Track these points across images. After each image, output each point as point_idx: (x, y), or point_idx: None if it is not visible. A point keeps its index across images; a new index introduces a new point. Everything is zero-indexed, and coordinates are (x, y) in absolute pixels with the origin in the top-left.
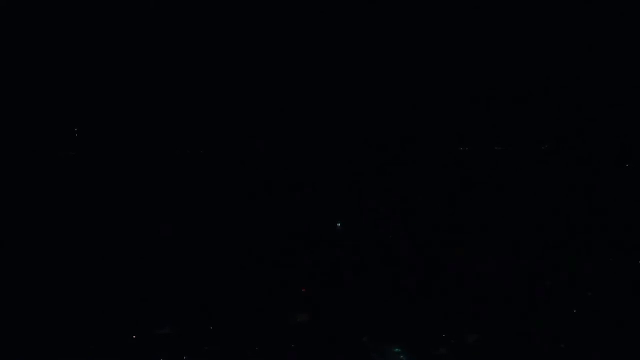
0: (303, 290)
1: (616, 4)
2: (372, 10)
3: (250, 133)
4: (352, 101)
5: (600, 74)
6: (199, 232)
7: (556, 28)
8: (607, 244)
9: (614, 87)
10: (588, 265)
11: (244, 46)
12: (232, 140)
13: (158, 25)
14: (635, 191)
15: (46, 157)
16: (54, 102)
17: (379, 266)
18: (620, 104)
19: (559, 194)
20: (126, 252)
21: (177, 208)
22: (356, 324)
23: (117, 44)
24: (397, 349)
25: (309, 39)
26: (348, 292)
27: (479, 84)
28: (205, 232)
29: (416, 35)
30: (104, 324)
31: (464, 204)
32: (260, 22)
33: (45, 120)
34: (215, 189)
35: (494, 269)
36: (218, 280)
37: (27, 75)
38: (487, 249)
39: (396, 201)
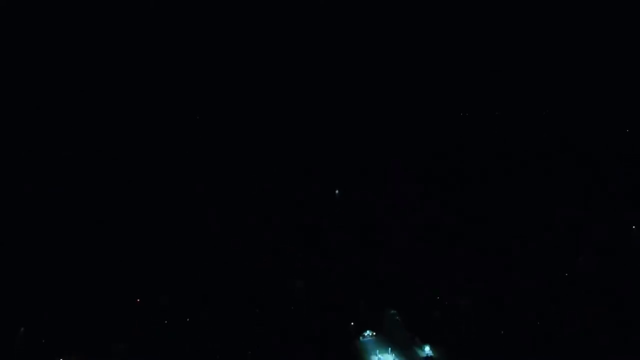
0: (299, 255)
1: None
2: None
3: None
4: (355, 66)
5: (601, 42)
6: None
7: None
8: (602, 207)
9: (614, 54)
10: (582, 233)
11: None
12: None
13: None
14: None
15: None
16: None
17: (374, 232)
18: (621, 72)
19: (558, 161)
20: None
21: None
22: (353, 289)
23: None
24: (392, 312)
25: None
26: (345, 259)
27: (478, 50)
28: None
29: (419, 7)
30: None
31: (462, 171)
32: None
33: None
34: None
35: (489, 233)
36: (219, 245)
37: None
38: (483, 215)
39: (393, 167)
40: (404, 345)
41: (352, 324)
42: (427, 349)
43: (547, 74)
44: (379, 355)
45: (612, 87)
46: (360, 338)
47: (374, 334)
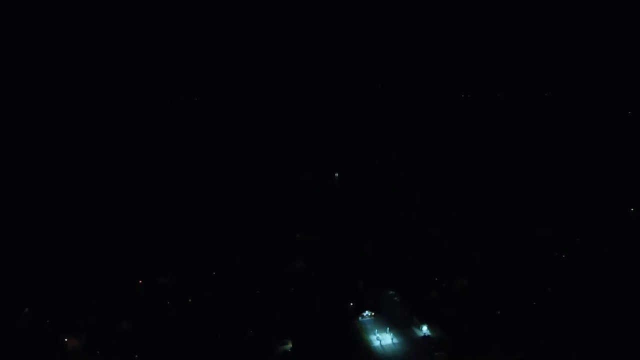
0: (298, 236)
1: None
2: None
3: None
4: (359, 49)
5: (602, 26)
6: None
7: None
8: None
9: (614, 37)
10: (579, 216)
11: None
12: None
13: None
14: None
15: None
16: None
17: (374, 215)
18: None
19: (557, 140)
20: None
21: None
22: (352, 271)
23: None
24: (391, 293)
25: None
26: (343, 240)
27: (481, 34)
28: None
29: None
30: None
31: (461, 151)
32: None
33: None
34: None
35: (486, 216)
36: (221, 228)
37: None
38: (481, 198)
39: (393, 149)
40: (402, 324)
41: (352, 304)
42: (424, 328)
43: (549, 55)
44: (378, 335)
45: (613, 66)
46: (360, 318)
47: (373, 314)
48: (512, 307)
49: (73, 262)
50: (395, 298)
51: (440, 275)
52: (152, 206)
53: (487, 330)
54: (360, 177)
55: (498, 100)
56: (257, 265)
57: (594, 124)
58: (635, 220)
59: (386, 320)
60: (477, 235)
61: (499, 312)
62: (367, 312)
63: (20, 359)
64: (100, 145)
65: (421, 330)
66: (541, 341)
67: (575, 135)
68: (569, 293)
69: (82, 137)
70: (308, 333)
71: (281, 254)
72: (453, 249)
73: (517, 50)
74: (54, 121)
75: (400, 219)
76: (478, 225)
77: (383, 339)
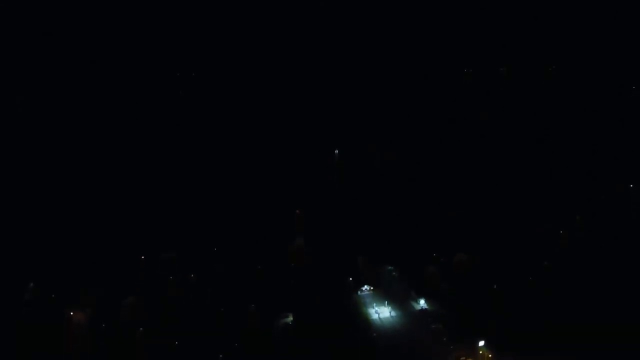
0: (298, 212)
1: None
2: None
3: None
4: (361, 24)
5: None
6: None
7: None
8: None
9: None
10: (581, 190)
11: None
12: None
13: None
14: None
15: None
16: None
17: (372, 190)
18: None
19: (561, 118)
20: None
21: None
22: (351, 246)
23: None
24: (389, 268)
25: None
26: (342, 215)
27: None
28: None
29: None
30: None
31: (463, 128)
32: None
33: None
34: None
35: (485, 191)
36: (222, 204)
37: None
38: (481, 172)
39: (393, 124)
40: (400, 298)
41: (351, 279)
42: (421, 302)
43: (552, 28)
44: (376, 308)
45: (615, 42)
46: (359, 292)
47: (372, 288)
48: (510, 281)
49: (77, 237)
50: (394, 273)
51: (438, 251)
52: (154, 182)
53: (483, 304)
54: (359, 152)
55: (500, 74)
56: (258, 241)
57: (600, 99)
58: (635, 196)
59: (385, 294)
60: (475, 210)
61: (495, 287)
62: (366, 286)
63: (25, 333)
64: (103, 124)
65: (419, 303)
66: (539, 316)
67: (577, 110)
68: (567, 268)
69: (85, 123)
70: (308, 307)
71: (282, 230)
72: (451, 225)
73: (520, 24)
74: (54, 103)
75: (399, 194)
76: (477, 200)
77: (381, 312)
